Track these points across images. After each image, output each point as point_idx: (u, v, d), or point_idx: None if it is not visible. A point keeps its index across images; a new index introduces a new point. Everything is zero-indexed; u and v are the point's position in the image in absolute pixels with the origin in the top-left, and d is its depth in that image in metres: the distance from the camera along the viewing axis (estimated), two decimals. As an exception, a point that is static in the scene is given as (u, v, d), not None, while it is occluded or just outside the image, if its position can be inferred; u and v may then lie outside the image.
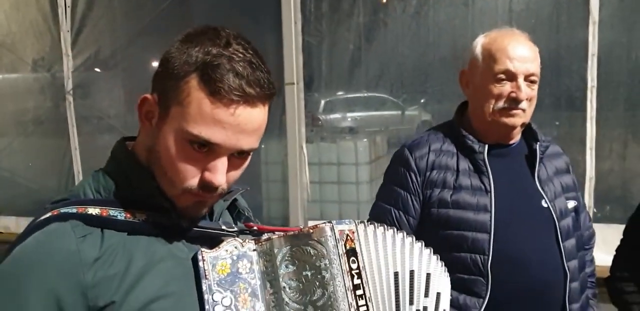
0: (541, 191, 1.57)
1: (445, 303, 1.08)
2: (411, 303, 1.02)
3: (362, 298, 0.93)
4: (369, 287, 0.95)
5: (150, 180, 0.92)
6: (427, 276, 1.06)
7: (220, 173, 0.89)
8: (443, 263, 1.10)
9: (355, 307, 0.92)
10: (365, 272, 0.95)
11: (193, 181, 0.90)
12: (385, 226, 1.04)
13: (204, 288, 0.90)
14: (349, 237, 0.95)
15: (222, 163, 0.89)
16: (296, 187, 4.19)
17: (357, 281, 0.93)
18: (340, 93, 4.70)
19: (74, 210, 0.88)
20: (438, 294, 1.07)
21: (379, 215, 1.63)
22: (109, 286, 0.85)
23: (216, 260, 0.93)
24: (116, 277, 0.85)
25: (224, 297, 0.91)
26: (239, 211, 1.07)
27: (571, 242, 1.56)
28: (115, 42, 4.46)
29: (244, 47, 0.89)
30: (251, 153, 0.94)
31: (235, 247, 0.95)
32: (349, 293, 0.92)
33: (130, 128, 4.55)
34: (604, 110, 3.65)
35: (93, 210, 0.89)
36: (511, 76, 1.52)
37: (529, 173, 1.59)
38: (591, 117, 3.66)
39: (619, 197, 3.75)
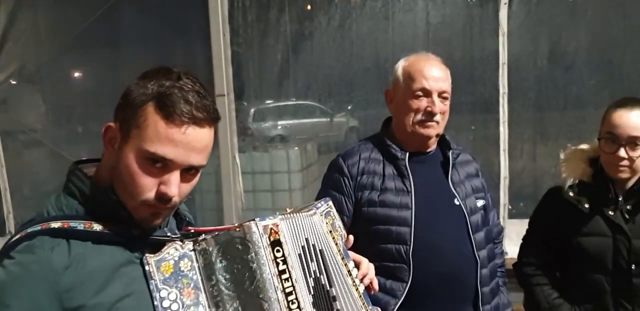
0: (454, 191, 1.82)
1: (325, 254, 1.22)
2: (309, 275, 1.17)
3: (288, 281, 1.11)
4: (295, 270, 1.13)
5: (111, 195, 1.08)
6: (306, 240, 1.19)
7: (174, 185, 1.06)
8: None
9: (281, 289, 1.10)
10: (291, 258, 1.13)
11: (150, 194, 1.06)
12: (306, 210, 1.23)
13: (151, 287, 1.07)
14: (272, 230, 1.13)
15: (175, 177, 1.06)
16: (230, 196, 4.32)
17: (282, 267, 1.11)
18: (269, 102, 4.88)
19: (38, 228, 1.03)
20: (313, 246, 1.21)
21: None
22: (80, 290, 1.00)
23: (159, 263, 1.10)
24: (85, 282, 1.01)
25: (169, 293, 1.08)
26: (180, 217, 1.24)
27: (480, 235, 1.82)
28: (40, 56, 4.47)
29: (192, 81, 1.08)
30: (200, 171, 1.11)
31: (176, 249, 1.12)
32: (274, 278, 1.10)
33: (57, 143, 4.56)
34: (514, 114, 4.00)
35: (55, 224, 1.04)
36: (427, 93, 1.79)
37: (443, 176, 1.86)
38: (503, 121, 3.99)
39: (531, 194, 4.10)
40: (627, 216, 1.80)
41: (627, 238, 1.78)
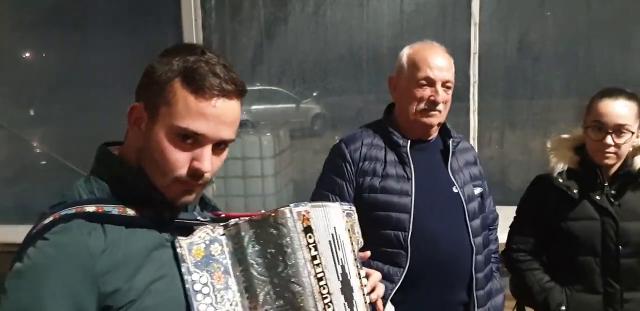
0: (453, 179, 1.85)
1: (345, 243, 1.22)
2: (338, 262, 1.17)
3: (319, 266, 1.12)
4: (324, 257, 1.14)
5: (142, 176, 1.05)
6: (335, 229, 1.19)
7: (207, 160, 1.04)
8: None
9: (314, 274, 1.10)
10: (320, 245, 1.15)
11: (183, 170, 1.04)
12: (329, 202, 1.24)
13: (183, 270, 1.06)
14: (304, 217, 1.13)
15: (207, 151, 1.05)
16: (200, 182, 4.26)
17: (314, 253, 1.12)
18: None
19: (73, 211, 1.00)
20: (339, 236, 1.20)
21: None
22: (116, 273, 0.98)
23: (191, 246, 1.08)
24: (121, 265, 0.99)
25: (201, 276, 1.07)
26: (205, 202, 1.23)
27: (477, 222, 1.86)
28: (1, 37, 4.28)
29: (216, 55, 1.07)
30: (229, 146, 1.10)
31: (207, 233, 1.11)
32: (308, 263, 1.10)
33: (18, 125, 4.40)
34: (484, 103, 4.09)
35: (89, 208, 1.01)
36: (431, 82, 1.80)
37: (443, 164, 1.88)
38: (474, 109, 4.08)
39: (499, 181, 4.22)
40: (612, 200, 1.89)
41: (614, 220, 1.86)
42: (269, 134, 4.50)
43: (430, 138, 1.90)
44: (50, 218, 1.00)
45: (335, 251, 1.19)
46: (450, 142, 1.89)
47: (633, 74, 4.08)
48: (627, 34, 4.16)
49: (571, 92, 4.15)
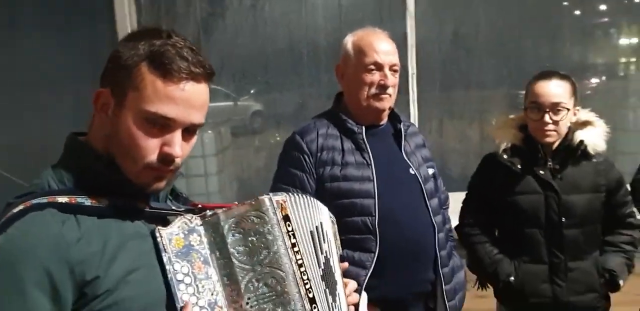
0: (408, 161, 1.90)
1: (331, 240, 1.29)
2: (321, 252, 1.24)
3: (299, 253, 1.13)
4: (303, 245, 1.16)
5: (112, 164, 1.03)
6: (321, 224, 1.27)
7: (177, 145, 1.03)
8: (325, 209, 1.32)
9: (295, 260, 1.12)
10: (298, 233, 1.16)
11: (153, 156, 1.02)
12: (301, 194, 1.26)
13: (165, 259, 1.04)
14: (282, 205, 1.15)
15: (177, 136, 1.03)
16: (141, 183, 4.17)
17: (293, 240, 1.13)
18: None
19: (45, 200, 0.96)
20: (326, 232, 1.27)
21: None
22: (92, 262, 0.95)
23: (171, 236, 1.07)
24: (97, 254, 0.96)
25: (182, 266, 1.06)
26: (177, 193, 1.21)
27: (435, 201, 1.92)
28: None
29: (182, 38, 1.05)
30: (197, 131, 1.08)
31: (185, 223, 1.10)
32: (289, 250, 1.12)
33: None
34: (423, 94, 4.20)
35: (62, 199, 0.98)
36: (379, 67, 1.83)
37: (397, 148, 1.92)
38: (413, 100, 4.19)
39: (439, 168, 4.32)
40: (555, 174, 1.99)
41: (557, 193, 1.96)
42: (210, 132, 4.44)
43: (382, 123, 1.94)
44: (21, 207, 0.96)
45: (320, 242, 1.22)
46: (402, 125, 1.93)
47: (560, 64, 4.29)
48: (555, 25, 4.38)
49: (504, 82, 4.33)
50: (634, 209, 2.08)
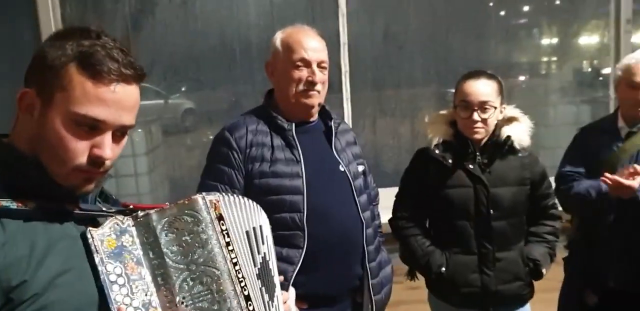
0: (338, 159, 1.92)
1: (271, 245, 1.33)
2: (258, 252, 1.25)
3: (233, 252, 1.13)
4: (237, 243, 1.16)
5: (39, 166, 1.00)
6: (260, 227, 1.29)
7: (108, 147, 1.01)
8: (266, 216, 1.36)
9: (230, 259, 1.12)
10: (232, 232, 1.16)
11: (82, 158, 1.00)
12: (236, 195, 1.26)
13: (97, 261, 1.02)
14: (216, 205, 1.14)
15: (108, 138, 1.01)
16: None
17: (227, 239, 1.13)
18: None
19: None
20: (266, 237, 1.30)
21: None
22: (18, 267, 0.92)
23: (103, 237, 1.05)
24: (24, 258, 0.93)
25: (115, 267, 1.04)
26: (106, 195, 1.19)
27: (364, 198, 1.95)
28: None
29: (112, 39, 1.04)
30: (128, 132, 1.07)
31: (117, 224, 1.08)
32: (223, 249, 1.12)
33: None
34: (356, 92, 4.27)
35: None
36: (307, 63, 1.84)
37: (327, 145, 1.94)
38: (347, 98, 4.24)
39: (373, 165, 4.42)
40: (483, 168, 2.07)
41: (485, 187, 2.04)
42: (140, 130, 4.34)
43: (312, 120, 1.95)
44: None
45: (257, 242, 1.24)
46: (332, 123, 1.95)
47: (487, 62, 4.46)
48: (481, 24, 4.54)
49: (433, 79, 4.46)
50: (556, 201, 2.20)
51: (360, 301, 1.91)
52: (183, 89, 4.78)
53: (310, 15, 4.21)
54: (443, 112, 2.17)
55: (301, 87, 1.84)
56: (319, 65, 1.85)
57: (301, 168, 1.83)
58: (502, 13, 4.64)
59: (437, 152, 2.09)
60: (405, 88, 4.49)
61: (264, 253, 1.26)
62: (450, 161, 2.07)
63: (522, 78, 4.78)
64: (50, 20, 3.76)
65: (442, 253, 2.10)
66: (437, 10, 4.41)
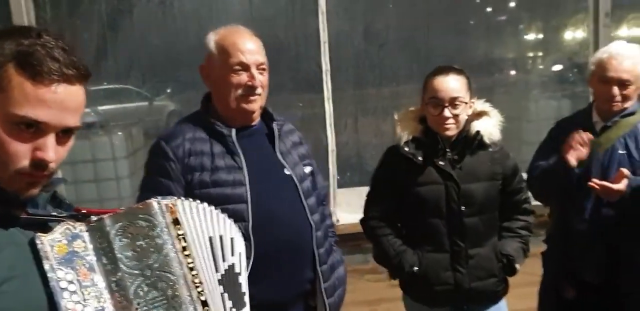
0: (283, 162, 1.84)
1: (244, 261, 1.31)
2: (224, 260, 1.24)
3: (190, 257, 1.11)
4: (195, 248, 1.14)
5: None
6: (231, 239, 1.27)
7: (51, 150, 0.98)
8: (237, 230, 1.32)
9: (185, 264, 1.10)
10: (188, 237, 1.14)
11: (25, 161, 0.97)
12: (198, 201, 1.24)
13: (46, 267, 0.99)
14: (172, 209, 1.12)
15: (50, 140, 0.98)
16: (48, 190, 3.99)
17: (183, 244, 1.11)
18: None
19: None
20: (240, 253, 1.29)
21: None
22: None
23: (53, 242, 1.02)
24: None
25: (66, 273, 1.01)
26: (60, 200, 1.16)
27: (312, 200, 1.87)
28: None
29: (54, 37, 1.00)
30: (75, 133, 1.04)
31: (68, 229, 1.05)
32: (179, 253, 1.09)
33: None
34: (337, 91, 4.25)
35: None
36: (245, 67, 1.74)
37: (271, 148, 1.85)
38: (328, 97, 4.22)
39: (355, 164, 4.43)
40: (454, 164, 2.04)
41: (456, 183, 2.02)
42: (120, 133, 4.30)
43: (253, 124, 1.86)
44: None
45: (222, 249, 1.22)
46: (275, 125, 1.87)
47: (468, 58, 4.46)
48: (462, 21, 4.54)
49: (414, 77, 4.44)
50: (529, 195, 2.18)
51: (314, 305, 1.87)
52: (168, 91, 4.76)
53: (290, 14, 4.19)
54: (412, 108, 2.15)
55: (240, 92, 1.75)
56: (257, 67, 1.76)
57: (244, 175, 1.75)
58: (487, 9, 4.65)
59: (406, 149, 2.06)
60: (387, 87, 4.48)
61: (233, 264, 1.24)
62: (420, 158, 2.05)
63: (503, 73, 4.78)
64: (25, 22, 3.71)
65: (414, 252, 2.08)
66: (417, 8, 4.40)
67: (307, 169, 1.90)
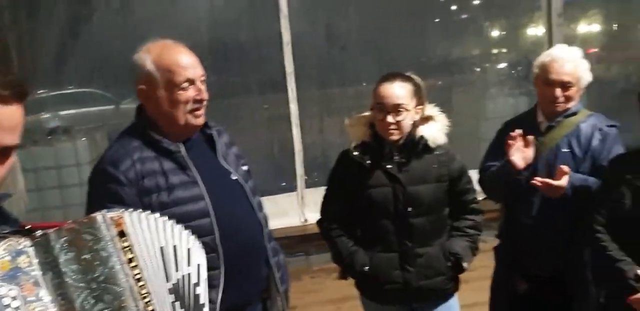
0: (228, 167, 1.84)
1: (204, 272, 1.32)
2: (177, 270, 1.26)
3: (137, 268, 1.14)
4: (142, 259, 1.17)
5: None
6: (188, 250, 1.30)
7: None
8: (199, 242, 1.34)
9: (132, 275, 1.13)
10: (136, 248, 1.17)
11: None
12: (148, 212, 1.25)
13: None
14: (117, 222, 1.14)
15: None
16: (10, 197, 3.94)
17: (130, 255, 1.14)
18: (42, 91, 4.50)
19: None
20: (198, 265, 1.31)
21: None
22: None
23: None
24: None
25: (10, 289, 1.03)
26: (5, 216, 1.17)
27: (257, 199, 1.90)
28: None
29: None
30: (14, 150, 1.05)
31: (11, 245, 1.07)
32: (125, 265, 1.12)
33: None
34: (302, 91, 4.28)
35: None
36: (191, 82, 1.72)
37: (213, 155, 1.84)
38: (293, 98, 4.25)
39: (322, 164, 4.47)
40: (401, 167, 2.11)
41: (403, 185, 2.09)
42: (84, 139, 4.28)
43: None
44: None
45: (175, 259, 1.25)
46: (212, 131, 1.85)
47: (429, 59, 4.54)
48: (422, 22, 4.61)
49: (377, 77, 4.49)
50: (477, 196, 2.25)
51: (266, 297, 1.92)
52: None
53: (253, 17, 4.21)
54: (364, 114, 2.21)
55: (189, 106, 1.73)
56: (200, 80, 1.74)
57: (201, 189, 1.73)
58: (444, 8, 4.73)
59: (355, 153, 2.13)
60: (350, 86, 4.53)
61: (189, 274, 1.26)
62: (368, 162, 2.11)
63: (463, 72, 4.87)
64: (-18, 29, 3.68)
65: (365, 252, 2.15)
66: (379, 9, 4.45)
67: (245, 168, 1.91)
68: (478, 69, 4.91)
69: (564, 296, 2.32)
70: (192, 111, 1.74)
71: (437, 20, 4.71)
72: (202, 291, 1.29)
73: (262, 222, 1.90)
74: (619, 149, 2.23)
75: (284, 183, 4.32)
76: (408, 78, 2.09)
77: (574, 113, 2.30)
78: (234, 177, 1.84)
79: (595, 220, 2.02)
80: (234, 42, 4.17)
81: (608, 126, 2.29)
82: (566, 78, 2.23)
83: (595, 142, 2.25)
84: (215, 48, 4.16)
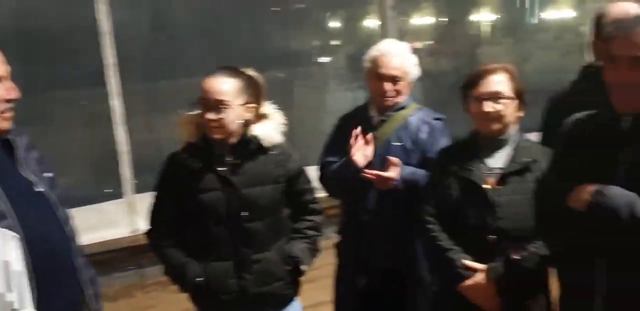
0: (30, 178, 1.70)
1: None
2: None
3: None
4: None
5: None
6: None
7: None
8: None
9: None
10: None
11: None
12: None
13: None
14: None
15: None
16: None
17: None
18: None
19: None
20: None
21: None
22: None
23: None
24: None
25: None
26: None
27: (62, 211, 1.76)
28: None
29: None
30: None
31: None
32: None
33: None
34: (126, 85, 4.06)
35: None
36: None
37: (11, 165, 1.69)
38: (117, 93, 4.02)
39: (155, 165, 4.27)
40: (235, 169, 2.08)
41: (236, 189, 2.06)
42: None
43: None
44: None
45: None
46: (11, 136, 1.71)
47: (267, 50, 4.56)
48: (260, 11, 4.61)
49: (209, 70, 4.42)
50: (315, 195, 2.31)
51: None
52: None
53: (64, 4, 3.92)
54: (194, 112, 2.15)
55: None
56: (7, 77, 1.64)
57: (4, 207, 1.60)
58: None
59: (184, 155, 2.08)
60: (181, 80, 4.40)
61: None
62: (199, 165, 2.07)
63: (303, 65, 4.97)
64: None
65: (198, 263, 2.09)
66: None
67: (49, 174, 1.78)
68: (318, 61, 5.03)
69: (400, 287, 2.47)
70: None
71: (275, 8, 4.73)
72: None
73: (69, 235, 1.78)
74: (445, 141, 2.41)
75: (110, 190, 4.06)
76: (237, 73, 2.06)
77: (403, 107, 2.45)
78: (37, 189, 1.70)
79: (425, 211, 2.16)
80: (45, 32, 3.84)
81: (434, 119, 2.47)
82: (394, 72, 2.37)
83: (423, 135, 2.43)
84: (22, 37, 3.81)
